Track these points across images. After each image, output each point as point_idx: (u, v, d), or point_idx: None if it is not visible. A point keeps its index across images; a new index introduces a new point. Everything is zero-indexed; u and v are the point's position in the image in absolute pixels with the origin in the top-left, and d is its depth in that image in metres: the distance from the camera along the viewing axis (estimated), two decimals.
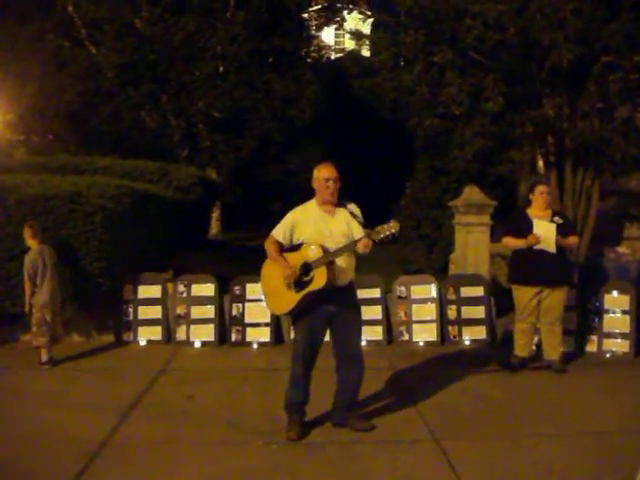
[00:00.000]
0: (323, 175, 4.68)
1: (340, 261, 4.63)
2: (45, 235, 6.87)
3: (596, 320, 7.20)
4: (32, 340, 6.63)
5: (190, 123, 15.75)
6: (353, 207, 4.80)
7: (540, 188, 6.34)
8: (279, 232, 4.76)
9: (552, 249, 6.12)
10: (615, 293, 7.18)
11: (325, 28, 20.95)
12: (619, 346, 7.06)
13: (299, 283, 4.62)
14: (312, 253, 4.58)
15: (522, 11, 7.19)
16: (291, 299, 4.65)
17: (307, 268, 4.59)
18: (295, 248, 4.73)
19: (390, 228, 4.53)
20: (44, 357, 6.57)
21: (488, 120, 8.07)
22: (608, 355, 7.05)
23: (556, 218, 6.27)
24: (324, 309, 4.66)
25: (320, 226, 4.68)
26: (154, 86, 15.09)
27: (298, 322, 4.76)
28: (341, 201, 4.79)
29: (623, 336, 7.06)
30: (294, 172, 16.44)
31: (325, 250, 4.57)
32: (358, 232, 4.67)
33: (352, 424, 4.84)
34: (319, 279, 4.56)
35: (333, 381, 5.21)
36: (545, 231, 6.16)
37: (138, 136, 15.74)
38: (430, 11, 7.59)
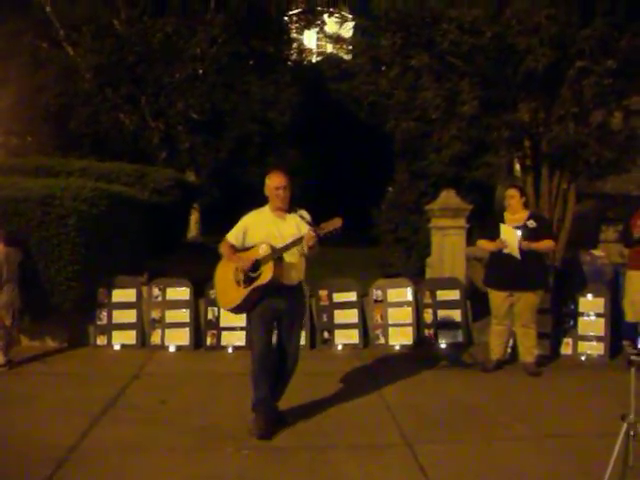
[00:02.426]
0: (273, 184, 4.86)
1: (288, 258, 4.82)
2: (17, 238, 6.80)
3: (571, 323, 7.25)
4: None
5: (169, 125, 15.64)
6: (303, 212, 4.94)
7: (510, 192, 6.41)
8: (232, 235, 4.97)
9: (516, 254, 6.16)
10: (590, 296, 7.23)
11: (307, 32, 20.96)
12: (594, 349, 7.11)
13: (247, 279, 4.78)
14: (261, 251, 4.77)
15: (498, 16, 7.23)
16: (239, 294, 4.83)
17: (256, 264, 4.76)
18: (247, 250, 4.90)
19: (334, 224, 4.66)
20: (1, 359, 6.52)
21: (465, 124, 8.09)
22: (583, 358, 7.10)
23: (530, 221, 6.30)
24: (273, 306, 4.84)
25: (271, 228, 4.88)
26: (133, 87, 14.97)
27: (252, 321, 4.96)
28: (293, 207, 4.96)
29: (598, 339, 7.11)
30: None
31: (274, 248, 4.75)
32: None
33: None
34: (266, 274, 4.73)
35: (316, 385, 5.26)
36: (508, 236, 6.20)
37: (117, 138, 15.59)
38: (406, 15, 7.61)
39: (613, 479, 3.53)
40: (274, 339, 5.01)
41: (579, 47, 7.08)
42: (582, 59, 7.07)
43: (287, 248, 4.76)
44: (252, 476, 4.15)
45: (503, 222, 6.34)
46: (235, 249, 4.91)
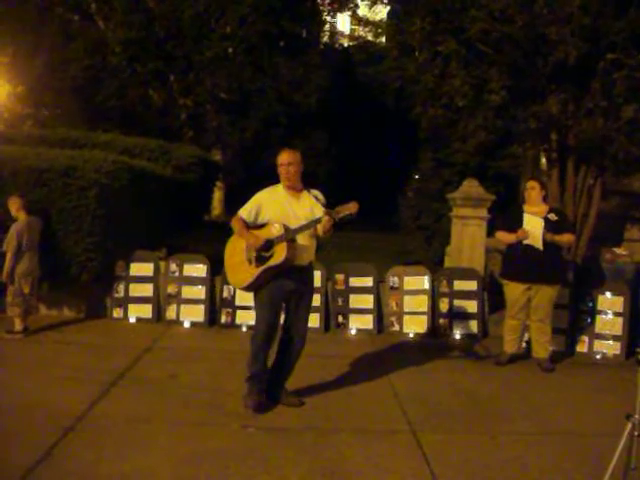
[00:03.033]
0: (279, 160, 4.85)
1: (301, 240, 4.78)
2: (39, 207, 6.89)
3: (588, 320, 7.14)
4: (6, 309, 6.71)
5: (196, 103, 15.66)
6: (317, 193, 4.92)
7: (530, 184, 6.33)
8: (245, 211, 4.89)
9: (538, 245, 6.08)
10: (609, 294, 7.11)
11: (341, 15, 20.73)
12: (610, 348, 7.01)
13: (260, 258, 4.74)
14: (275, 230, 4.73)
15: (529, 4, 7.07)
16: (250, 273, 4.79)
17: (269, 244, 4.73)
18: (259, 227, 4.85)
19: (349, 208, 4.61)
20: (18, 326, 6.65)
21: (491, 113, 7.97)
22: (598, 356, 7.00)
23: (551, 215, 6.22)
24: (283, 286, 4.81)
25: (285, 207, 4.83)
26: (161, 64, 14.99)
27: (259, 299, 4.88)
28: (307, 187, 4.92)
29: (615, 338, 7.00)
30: None
31: (287, 229, 4.71)
32: (320, 214, 4.79)
33: (283, 399, 5.03)
34: (279, 255, 4.70)
35: (327, 368, 5.24)
36: (533, 226, 6.11)
37: (144, 113, 15.67)
38: (436, 0, 7.49)
39: (615, 478, 3.48)
40: (281, 320, 5.01)
41: (611, 39, 6.92)
42: (614, 51, 6.91)
43: (302, 230, 4.73)
44: (256, 454, 4.16)
45: (520, 213, 6.25)
46: (247, 225, 4.84)
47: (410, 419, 4.89)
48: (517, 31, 7.16)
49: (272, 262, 4.72)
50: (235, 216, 4.93)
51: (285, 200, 4.86)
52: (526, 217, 6.16)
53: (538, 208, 6.24)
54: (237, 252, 4.89)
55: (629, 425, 3.41)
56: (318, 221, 4.69)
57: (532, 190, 6.22)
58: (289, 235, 4.70)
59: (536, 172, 9.23)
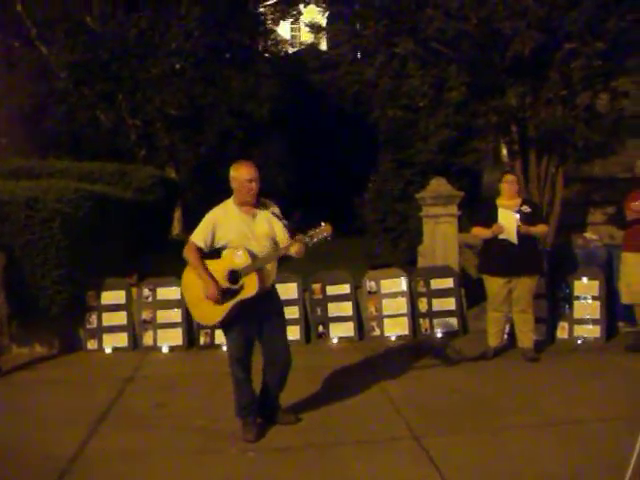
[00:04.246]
0: (245, 176, 4.49)
1: (267, 265, 4.52)
2: (1, 242, 6.64)
3: (566, 307, 7.23)
4: None
5: (147, 122, 15.39)
6: (274, 207, 4.66)
7: (507, 177, 6.37)
8: (199, 237, 4.53)
9: (513, 239, 6.13)
10: (585, 279, 7.21)
11: (281, 22, 20.70)
12: (590, 332, 7.10)
13: (227, 291, 4.45)
14: (239, 259, 4.42)
15: (484, 1, 7.14)
16: (220, 309, 4.47)
17: (235, 276, 4.42)
18: (216, 252, 4.55)
19: (323, 231, 4.44)
20: None
21: (452, 110, 8.02)
22: (579, 341, 7.09)
23: (524, 207, 6.28)
24: (255, 314, 4.54)
25: (241, 228, 4.51)
26: (109, 84, 14.69)
27: (229, 329, 4.60)
28: (260, 199, 4.63)
29: (594, 322, 7.10)
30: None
31: (252, 254, 4.43)
32: (280, 232, 4.58)
33: (280, 419, 4.87)
34: (250, 286, 4.42)
35: (316, 380, 5.13)
36: (507, 221, 6.16)
37: (94, 136, 15.31)
38: (391, 2, 7.50)
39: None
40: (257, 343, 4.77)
41: (567, 29, 7.03)
42: (570, 41, 7.02)
43: (270, 260, 4.50)
44: (261, 478, 4.05)
45: (495, 208, 6.29)
46: (202, 253, 4.51)
47: (410, 424, 4.83)
48: (473, 28, 7.22)
49: (244, 295, 4.43)
50: (188, 245, 4.56)
51: (240, 220, 4.54)
52: (500, 212, 6.20)
53: (512, 201, 6.29)
54: (197, 284, 4.51)
55: None
56: (288, 249, 4.45)
57: (509, 184, 6.26)
58: (257, 264, 4.44)
59: (497, 166, 9.33)
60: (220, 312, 4.48)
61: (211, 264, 4.54)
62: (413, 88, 7.95)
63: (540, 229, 6.34)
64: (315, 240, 4.44)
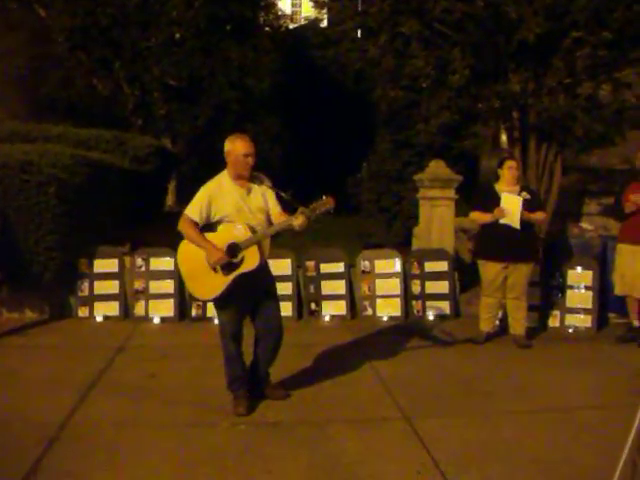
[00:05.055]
0: (241, 150, 4.45)
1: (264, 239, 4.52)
2: None
3: (559, 296, 7.26)
4: None
5: (144, 91, 15.20)
6: (267, 181, 4.63)
7: (509, 163, 6.32)
8: (195, 211, 4.46)
9: (516, 224, 6.10)
10: (579, 269, 7.24)
11: None
12: (581, 321, 7.15)
13: (227, 265, 4.41)
14: (239, 233, 4.41)
15: None
16: (219, 282, 4.44)
17: (235, 249, 4.40)
18: (212, 226, 4.51)
19: (326, 204, 4.41)
20: None
21: (454, 93, 7.95)
22: (571, 330, 7.14)
23: (523, 193, 6.26)
24: (251, 289, 4.51)
25: (237, 202, 4.47)
26: (107, 51, 14.48)
27: (225, 304, 4.57)
28: (254, 173, 4.59)
29: (585, 311, 7.15)
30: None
31: (251, 228, 4.42)
32: (274, 205, 4.58)
33: (269, 394, 4.88)
34: (251, 260, 4.41)
35: (307, 357, 5.12)
36: (511, 205, 6.13)
37: (90, 103, 15.12)
38: None
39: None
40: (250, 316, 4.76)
41: (573, 17, 6.96)
42: (576, 30, 6.96)
43: (272, 233, 4.49)
44: (252, 451, 4.05)
45: (494, 193, 6.27)
46: (198, 227, 4.46)
47: (401, 405, 4.85)
48: (479, 10, 7.14)
49: (245, 268, 4.41)
50: (183, 218, 4.49)
51: (236, 193, 4.49)
52: (504, 196, 6.16)
53: (512, 187, 6.27)
54: (194, 257, 4.46)
55: None
56: (291, 223, 4.41)
57: (511, 170, 6.23)
58: (259, 237, 4.42)
59: (499, 151, 9.29)
60: (220, 286, 4.45)
61: (210, 237, 4.50)
62: (416, 69, 7.87)
63: (539, 216, 6.33)
64: (317, 213, 4.42)
